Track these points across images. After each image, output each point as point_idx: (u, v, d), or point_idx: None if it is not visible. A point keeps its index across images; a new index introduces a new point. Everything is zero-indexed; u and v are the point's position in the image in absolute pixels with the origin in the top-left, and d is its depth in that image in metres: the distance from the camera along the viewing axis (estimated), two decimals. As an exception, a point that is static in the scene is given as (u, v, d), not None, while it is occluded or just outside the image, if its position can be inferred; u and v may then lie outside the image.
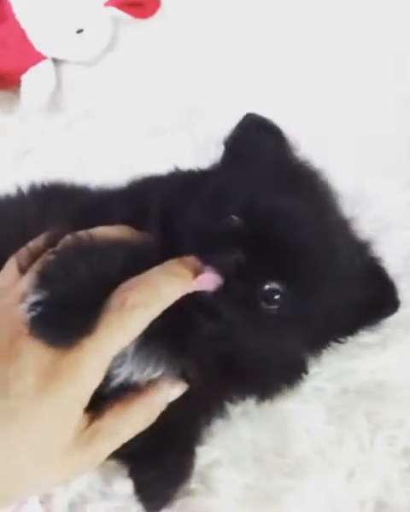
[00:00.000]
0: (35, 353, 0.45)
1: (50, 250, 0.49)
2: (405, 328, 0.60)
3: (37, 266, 0.49)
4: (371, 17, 0.70)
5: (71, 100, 0.75)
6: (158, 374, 0.50)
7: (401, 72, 0.69)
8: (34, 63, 0.72)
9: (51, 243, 0.52)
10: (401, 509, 0.57)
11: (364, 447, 0.58)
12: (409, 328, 0.60)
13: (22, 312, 0.44)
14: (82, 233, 0.49)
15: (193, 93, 0.71)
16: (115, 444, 0.50)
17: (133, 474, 0.57)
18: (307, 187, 0.54)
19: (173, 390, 0.52)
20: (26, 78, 0.72)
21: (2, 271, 0.54)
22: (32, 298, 0.44)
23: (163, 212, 0.51)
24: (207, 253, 0.47)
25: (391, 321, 0.60)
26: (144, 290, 0.46)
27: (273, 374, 0.54)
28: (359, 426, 0.59)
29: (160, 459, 0.55)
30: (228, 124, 0.60)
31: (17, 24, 0.71)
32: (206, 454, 0.60)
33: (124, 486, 0.58)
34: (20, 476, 0.47)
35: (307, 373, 0.56)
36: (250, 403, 0.59)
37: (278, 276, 0.48)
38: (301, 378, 0.56)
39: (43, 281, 0.45)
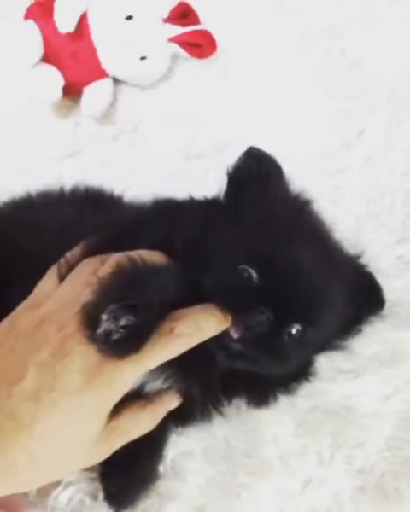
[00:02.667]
0: (83, 354, 0.48)
1: (107, 270, 0.50)
2: (379, 363, 0.64)
3: (87, 279, 0.51)
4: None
5: (122, 116, 0.80)
6: (165, 386, 0.54)
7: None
8: (97, 79, 0.77)
9: (88, 254, 0.55)
10: (347, 524, 0.59)
11: (323, 461, 0.61)
12: (382, 363, 0.64)
13: (104, 330, 0.46)
14: (134, 255, 0.51)
15: (226, 128, 0.76)
16: (125, 441, 0.54)
17: (104, 481, 0.60)
18: (307, 229, 0.57)
19: (172, 402, 0.56)
20: (87, 90, 0.77)
21: (44, 280, 0.56)
22: (122, 321, 0.45)
23: (186, 246, 0.54)
24: (236, 310, 0.50)
25: (368, 353, 0.64)
26: (190, 323, 0.49)
27: (281, 382, 0.58)
28: (322, 442, 0.61)
29: (129, 466, 0.58)
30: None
31: (91, 43, 0.75)
32: (182, 444, 0.63)
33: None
34: (51, 462, 0.50)
35: (312, 374, 0.60)
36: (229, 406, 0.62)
37: (299, 320, 0.52)
38: (307, 378, 0.60)
39: (128, 307, 0.46)
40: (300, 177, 0.65)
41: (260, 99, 0.77)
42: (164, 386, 0.54)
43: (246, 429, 0.63)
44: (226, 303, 0.50)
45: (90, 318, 0.48)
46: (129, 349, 0.47)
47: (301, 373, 0.60)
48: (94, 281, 0.50)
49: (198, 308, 0.51)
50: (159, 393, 0.55)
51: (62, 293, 0.54)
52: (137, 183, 0.72)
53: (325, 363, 0.64)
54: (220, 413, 0.60)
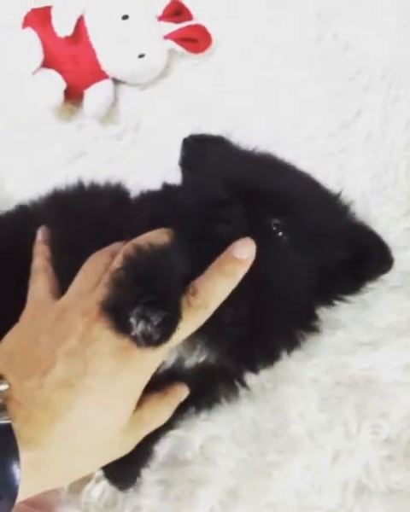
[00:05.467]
0: (112, 338, 0.49)
1: (115, 265, 0.52)
2: (396, 333, 0.66)
3: (99, 274, 0.54)
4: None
5: (124, 115, 0.83)
6: (202, 359, 0.57)
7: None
8: (97, 80, 0.80)
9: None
10: (379, 492, 0.61)
11: (350, 434, 0.63)
12: (400, 333, 0.66)
13: (141, 332, 0.46)
14: (140, 242, 0.53)
15: (227, 119, 0.79)
16: (148, 431, 0.56)
17: None
18: (260, 158, 0.64)
19: (183, 394, 0.59)
20: (88, 93, 0.80)
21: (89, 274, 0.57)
22: (156, 321, 0.46)
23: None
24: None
25: (384, 324, 0.67)
26: (205, 294, 0.51)
27: (287, 334, 0.61)
28: (347, 415, 0.63)
29: None
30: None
31: (90, 45, 0.78)
32: (209, 429, 0.65)
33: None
34: (85, 453, 0.51)
35: (317, 320, 0.62)
36: (254, 386, 0.65)
37: (274, 214, 0.56)
38: (312, 326, 0.62)
39: (152, 303, 0.46)
40: (303, 159, 0.69)
41: (259, 88, 0.80)
42: (200, 360, 0.57)
43: (271, 409, 0.66)
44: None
45: (114, 317, 0.49)
46: (164, 338, 0.48)
47: (305, 322, 0.62)
48: (106, 277, 0.52)
49: (210, 272, 0.52)
50: (172, 386, 0.58)
51: (77, 286, 0.56)
52: (144, 179, 0.74)
53: (343, 336, 0.67)
54: (246, 386, 0.63)
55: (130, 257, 0.51)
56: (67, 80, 0.79)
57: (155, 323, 0.46)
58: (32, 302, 0.57)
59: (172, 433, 0.65)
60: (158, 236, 0.54)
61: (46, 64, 0.79)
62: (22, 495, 0.47)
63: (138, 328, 0.46)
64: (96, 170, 0.75)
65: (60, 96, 0.79)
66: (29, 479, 0.47)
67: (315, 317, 0.62)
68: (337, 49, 0.79)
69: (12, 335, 0.54)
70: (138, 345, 0.48)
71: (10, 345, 0.54)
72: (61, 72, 0.79)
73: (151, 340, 0.47)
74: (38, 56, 0.78)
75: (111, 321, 0.50)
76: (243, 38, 0.83)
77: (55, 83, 0.78)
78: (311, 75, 0.79)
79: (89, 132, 0.83)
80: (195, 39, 0.81)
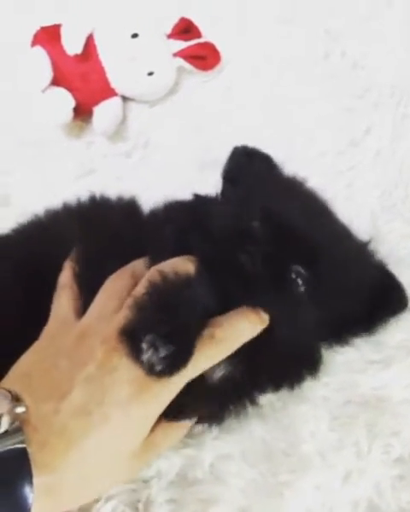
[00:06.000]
0: (131, 367, 0.49)
1: (140, 290, 0.52)
2: (406, 351, 0.66)
3: (121, 295, 0.54)
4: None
5: (133, 132, 0.83)
6: (221, 373, 0.56)
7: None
8: (107, 98, 0.80)
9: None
10: (390, 512, 0.61)
11: (361, 453, 0.62)
12: (410, 351, 0.66)
13: (147, 360, 0.48)
14: (166, 269, 0.53)
15: (235, 136, 0.78)
16: (156, 454, 0.57)
17: None
18: (301, 194, 0.64)
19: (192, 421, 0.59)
20: (97, 110, 0.80)
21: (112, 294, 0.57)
22: (162, 353, 0.47)
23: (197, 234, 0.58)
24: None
25: (394, 343, 0.66)
26: (229, 331, 0.52)
27: (289, 362, 0.60)
28: (358, 434, 0.63)
29: None
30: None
31: (100, 63, 0.79)
32: (219, 448, 0.65)
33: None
34: (96, 478, 0.52)
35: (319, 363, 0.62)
36: (265, 405, 0.65)
37: (299, 262, 0.55)
38: (314, 367, 0.62)
39: (168, 336, 0.47)
40: (313, 177, 0.69)
41: (267, 105, 0.81)
42: (220, 374, 0.57)
43: (282, 428, 0.65)
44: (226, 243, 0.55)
45: (130, 342, 0.50)
46: (175, 369, 0.48)
47: (309, 363, 0.62)
48: (129, 301, 0.52)
49: (236, 315, 0.53)
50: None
51: (98, 307, 0.56)
52: (153, 196, 0.74)
53: (354, 355, 0.66)
54: (256, 403, 0.62)
55: (155, 285, 0.51)
56: (76, 98, 0.79)
57: (161, 355, 0.47)
58: (53, 320, 0.57)
59: (182, 452, 0.65)
60: (183, 264, 0.54)
61: (55, 82, 0.79)
62: None
63: (146, 355, 0.47)
64: (106, 187, 0.75)
65: (69, 113, 0.80)
66: (41, 503, 0.47)
67: (320, 359, 0.63)
68: (346, 66, 0.80)
69: (30, 355, 0.54)
70: (144, 370, 0.48)
71: (28, 365, 0.54)
72: (70, 89, 0.79)
73: (153, 370, 0.48)
74: (48, 74, 0.78)
75: (128, 348, 0.50)
76: (252, 56, 0.84)
77: (64, 100, 0.79)
78: (320, 93, 0.80)
79: (98, 149, 0.84)
80: (204, 57, 0.81)
